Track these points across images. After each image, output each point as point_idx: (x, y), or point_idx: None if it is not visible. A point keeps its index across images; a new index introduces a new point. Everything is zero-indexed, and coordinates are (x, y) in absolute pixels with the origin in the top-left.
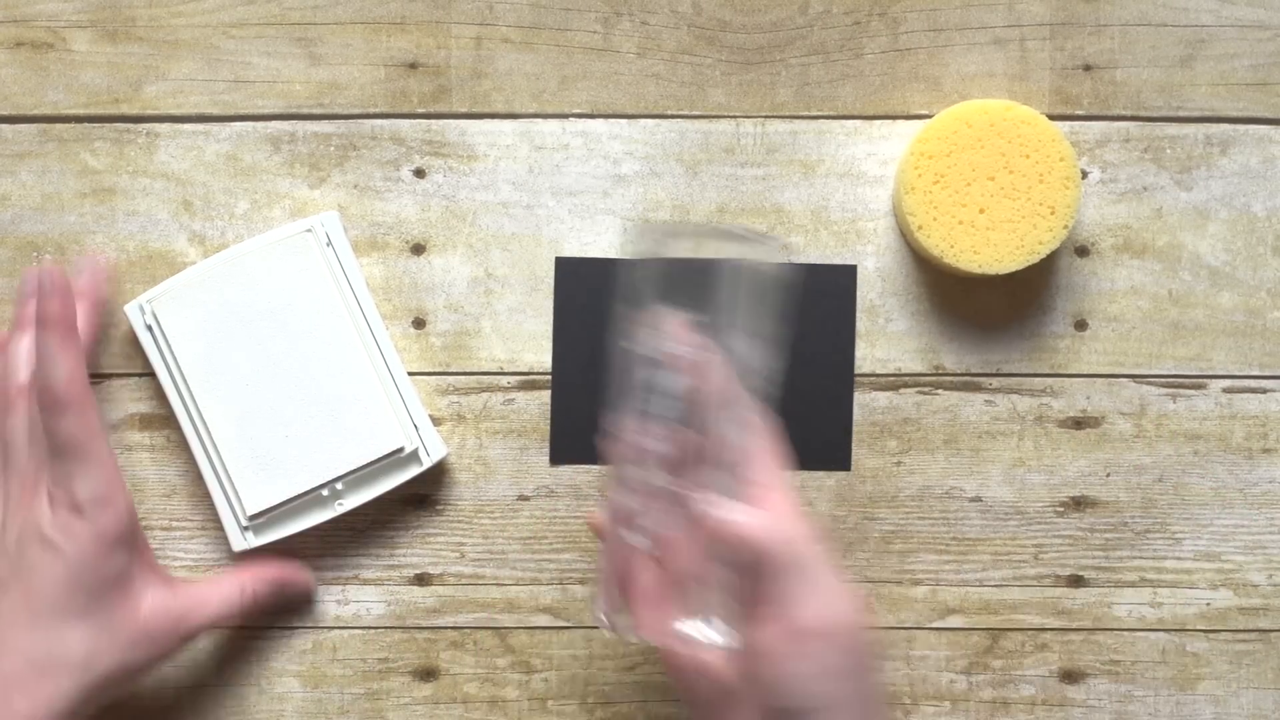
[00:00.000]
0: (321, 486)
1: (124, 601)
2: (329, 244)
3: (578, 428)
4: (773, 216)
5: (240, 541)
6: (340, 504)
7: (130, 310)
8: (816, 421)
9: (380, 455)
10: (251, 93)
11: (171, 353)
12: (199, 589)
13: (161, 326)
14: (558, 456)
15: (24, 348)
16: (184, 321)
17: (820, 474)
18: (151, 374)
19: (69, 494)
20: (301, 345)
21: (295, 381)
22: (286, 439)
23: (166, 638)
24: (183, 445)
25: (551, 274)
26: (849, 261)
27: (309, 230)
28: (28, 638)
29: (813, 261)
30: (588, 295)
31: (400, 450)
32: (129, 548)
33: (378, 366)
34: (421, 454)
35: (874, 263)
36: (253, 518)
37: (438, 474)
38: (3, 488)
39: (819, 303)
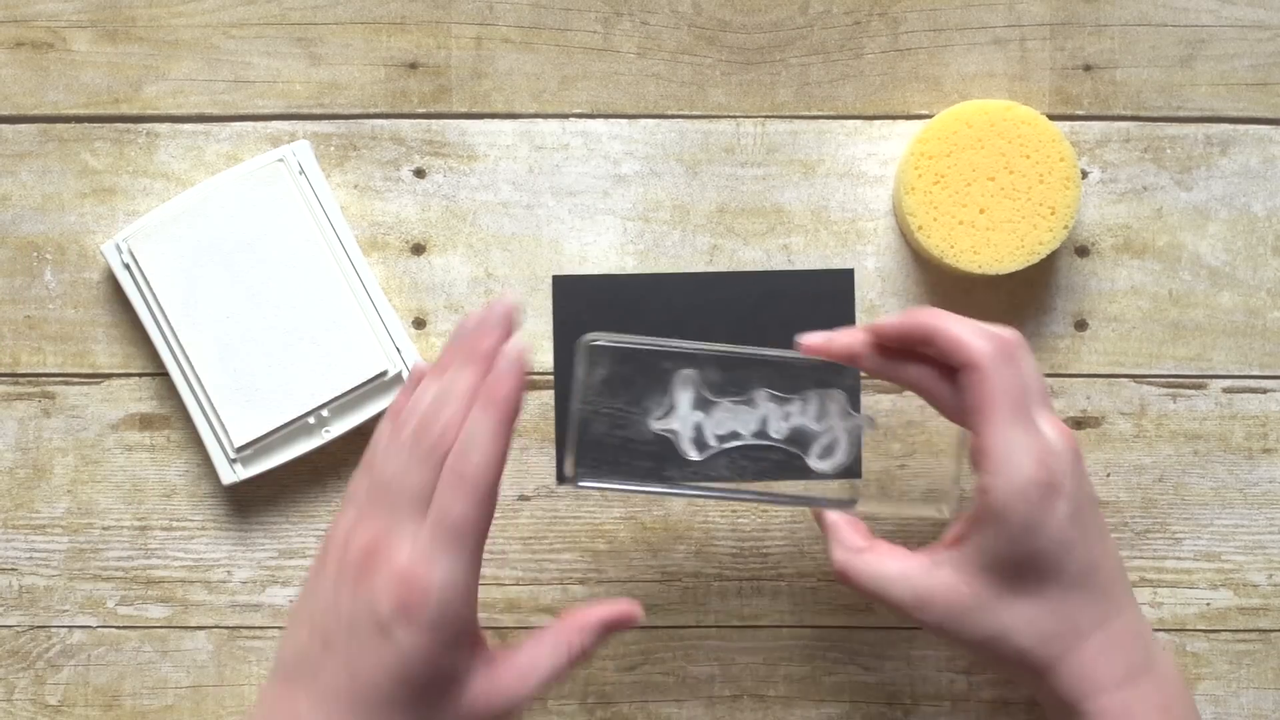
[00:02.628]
0: (307, 414)
1: (450, 697)
2: (301, 172)
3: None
4: (773, 216)
5: (230, 474)
6: (327, 431)
7: (107, 250)
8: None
9: (364, 380)
10: (251, 93)
11: (150, 289)
12: (522, 660)
13: (139, 264)
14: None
15: (457, 391)
16: (161, 257)
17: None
18: (151, 374)
19: (423, 578)
20: (280, 275)
21: (275, 311)
22: (270, 369)
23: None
24: (183, 445)
25: (551, 275)
26: (849, 261)
27: (281, 160)
28: None
29: (812, 262)
30: (587, 310)
31: (384, 374)
32: (467, 648)
33: (356, 292)
34: (405, 377)
35: (874, 263)
36: (240, 449)
37: None
38: (357, 516)
39: (818, 308)
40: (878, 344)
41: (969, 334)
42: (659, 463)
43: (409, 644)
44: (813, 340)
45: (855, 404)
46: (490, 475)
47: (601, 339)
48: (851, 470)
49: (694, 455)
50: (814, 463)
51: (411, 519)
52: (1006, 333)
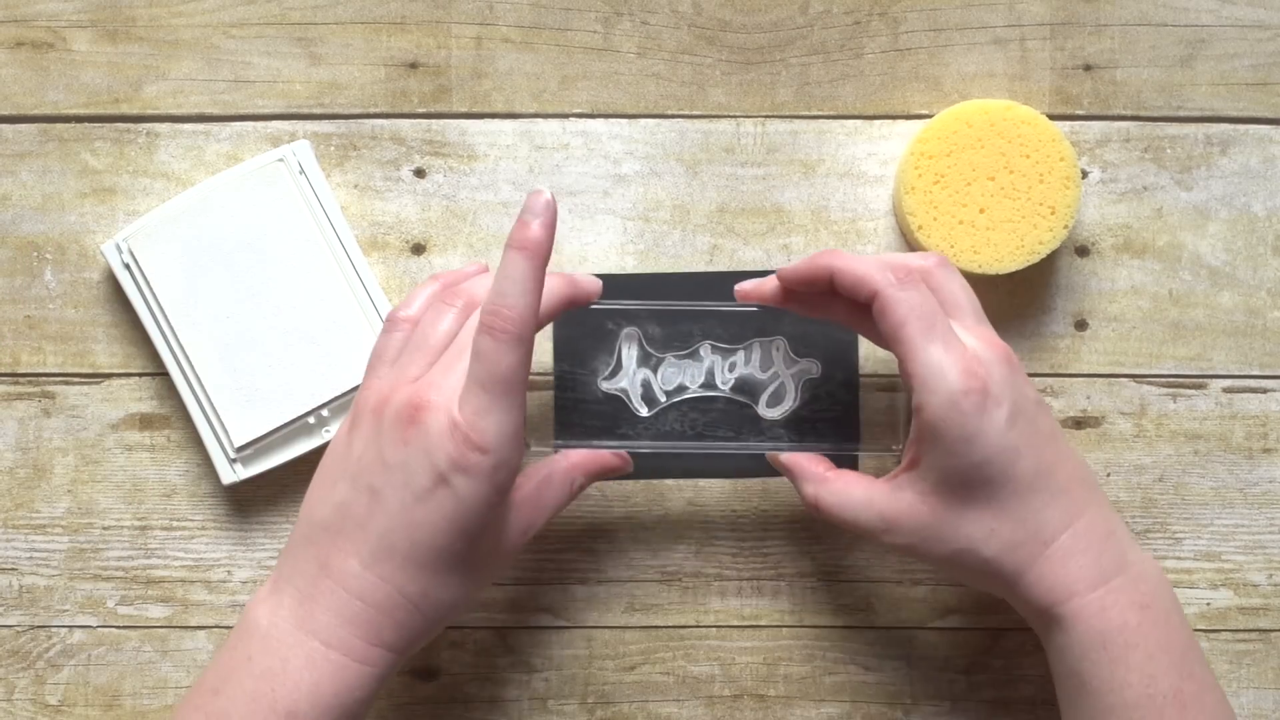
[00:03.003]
0: (307, 414)
1: (495, 542)
2: (301, 172)
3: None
4: (773, 216)
5: (230, 474)
6: (327, 431)
7: (107, 250)
8: (823, 428)
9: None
10: (251, 93)
11: (150, 289)
12: (537, 495)
13: (139, 264)
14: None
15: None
16: (161, 257)
17: None
18: (152, 374)
19: (478, 430)
20: (280, 275)
21: (275, 311)
22: (270, 369)
23: (512, 559)
24: (183, 445)
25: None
26: None
27: (281, 160)
28: (403, 574)
29: None
30: (587, 310)
31: None
32: (509, 494)
33: (356, 291)
34: None
35: None
36: (240, 449)
37: None
38: (392, 375)
39: None
40: (796, 289)
41: (865, 267)
42: (612, 422)
43: (469, 494)
44: (744, 286)
45: (798, 350)
46: (529, 321)
47: None
48: (848, 465)
49: (644, 411)
50: (763, 410)
51: (455, 370)
52: (915, 259)
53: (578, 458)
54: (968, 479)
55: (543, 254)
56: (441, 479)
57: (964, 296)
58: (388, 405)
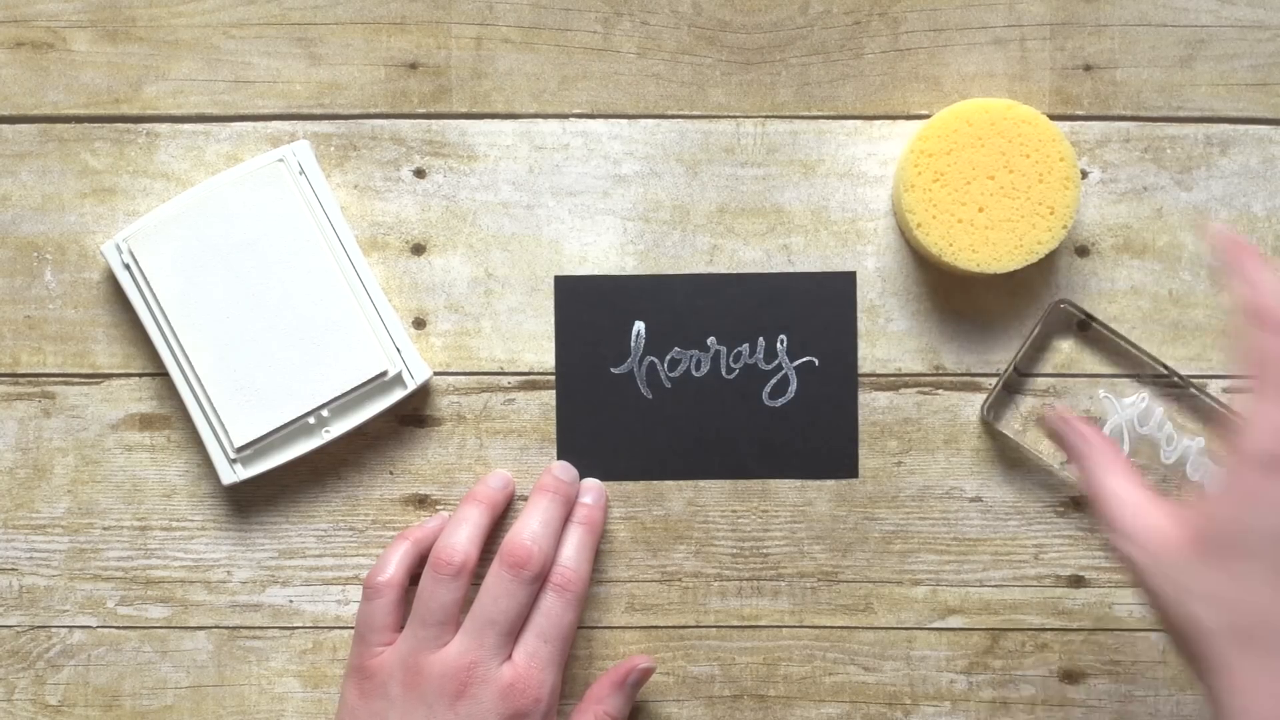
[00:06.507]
0: (307, 414)
1: None
2: (302, 172)
3: (584, 444)
4: (773, 217)
5: (230, 474)
6: (327, 431)
7: (107, 250)
8: (822, 430)
9: (364, 380)
10: (251, 93)
11: (150, 289)
12: None
13: (139, 264)
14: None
15: (550, 521)
16: (161, 257)
17: None
18: (152, 374)
19: (538, 682)
20: (279, 274)
21: (275, 311)
22: (270, 369)
23: None
24: (183, 445)
25: (552, 275)
26: (849, 261)
27: (281, 160)
28: None
29: (812, 262)
30: (588, 311)
31: (384, 374)
32: None
33: (356, 292)
34: (405, 377)
35: (874, 263)
36: (240, 449)
37: (438, 473)
38: (411, 646)
39: (819, 311)
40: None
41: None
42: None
43: None
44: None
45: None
46: (588, 582)
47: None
48: (848, 468)
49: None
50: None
51: (510, 640)
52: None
53: (599, 689)
54: (1228, 534)
55: (599, 527)
56: None
57: None
58: (424, 677)
